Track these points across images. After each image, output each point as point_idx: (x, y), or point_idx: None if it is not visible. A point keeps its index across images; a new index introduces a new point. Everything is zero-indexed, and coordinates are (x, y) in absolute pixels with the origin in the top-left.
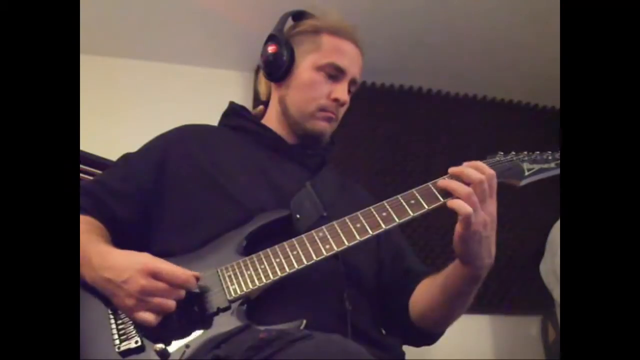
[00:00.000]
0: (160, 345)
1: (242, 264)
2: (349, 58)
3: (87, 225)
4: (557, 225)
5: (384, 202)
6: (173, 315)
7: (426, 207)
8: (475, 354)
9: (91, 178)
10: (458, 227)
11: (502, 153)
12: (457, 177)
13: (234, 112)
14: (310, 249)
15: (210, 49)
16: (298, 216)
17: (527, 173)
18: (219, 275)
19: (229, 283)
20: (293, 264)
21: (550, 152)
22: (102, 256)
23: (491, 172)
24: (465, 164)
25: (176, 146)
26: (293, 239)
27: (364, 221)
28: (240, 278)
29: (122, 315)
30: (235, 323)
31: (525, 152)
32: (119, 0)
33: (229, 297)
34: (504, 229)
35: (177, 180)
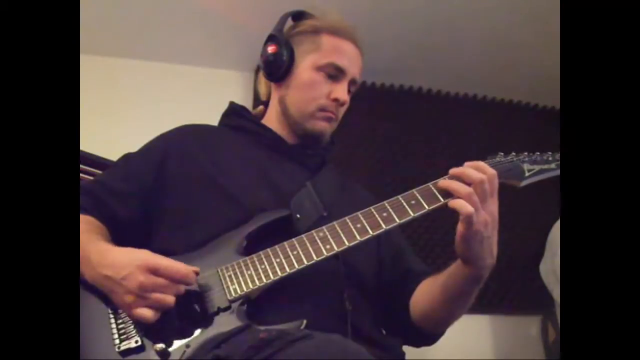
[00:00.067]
0: (160, 345)
1: (242, 264)
2: (349, 58)
3: (87, 224)
4: (557, 225)
5: (385, 202)
6: (173, 315)
7: (427, 207)
8: (475, 354)
9: (91, 178)
10: (459, 227)
11: (502, 154)
12: (458, 178)
13: (234, 112)
14: (310, 249)
15: (210, 49)
16: (298, 216)
17: (527, 174)
18: (219, 275)
19: (229, 283)
20: (293, 264)
21: (550, 152)
22: (101, 254)
23: (492, 171)
24: (466, 164)
25: (176, 146)
26: (293, 239)
27: (364, 221)
28: (240, 278)
29: (123, 315)
30: (235, 323)
31: (526, 153)
32: (119, 0)
33: (229, 297)
34: (504, 229)
35: (177, 180)
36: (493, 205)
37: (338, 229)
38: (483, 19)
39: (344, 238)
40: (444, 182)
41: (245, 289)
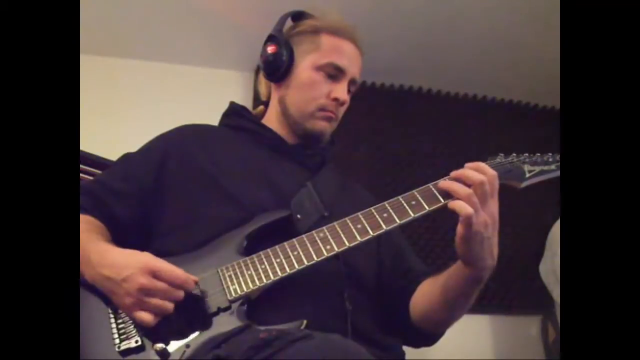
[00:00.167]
0: (160, 345)
1: (242, 264)
2: (349, 58)
3: (87, 224)
4: (557, 225)
5: (385, 202)
6: (173, 315)
7: (427, 208)
8: (475, 354)
9: (91, 178)
10: (459, 228)
11: (502, 155)
12: (459, 179)
13: (234, 112)
14: (310, 249)
15: (210, 49)
16: (299, 216)
17: (527, 175)
18: (219, 275)
19: (229, 283)
20: (293, 264)
21: (550, 154)
22: (101, 254)
23: (492, 172)
24: (466, 165)
25: (176, 146)
26: (293, 239)
27: (364, 222)
28: (240, 278)
29: (123, 315)
30: (235, 323)
31: (526, 154)
32: (119, 0)
33: (229, 297)
34: (504, 229)
35: (177, 180)
36: (493, 206)
37: (338, 229)
38: (483, 19)
39: (344, 238)
40: (444, 183)
41: (245, 289)
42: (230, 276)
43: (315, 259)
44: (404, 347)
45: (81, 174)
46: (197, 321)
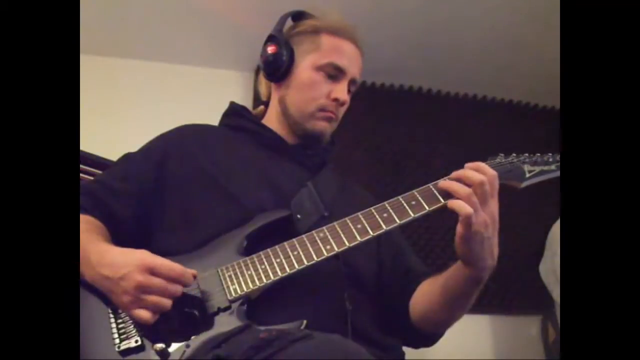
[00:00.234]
0: (160, 345)
1: (242, 264)
2: (349, 58)
3: (87, 224)
4: (557, 225)
5: (385, 202)
6: (173, 315)
7: (427, 208)
8: (475, 354)
9: (91, 178)
10: (459, 228)
11: (502, 155)
12: (459, 180)
13: (234, 112)
14: (310, 249)
15: (210, 49)
16: (299, 216)
17: (528, 175)
18: (219, 275)
19: (229, 283)
20: (293, 264)
21: (551, 154)
22: (100, 254)
23: (492, 172)
24: (466, 165)
25: (176, 146)
26: (294, 239)
27: (364, 222)
28: (240, 278)
29: (122, 315)
30: (235, 323)
31: (526, 154)
32: (119, 0)
33: (229, 297)
34: (504, 229)
35: (177, 180)
36: (493, 206)
37: (338, 229)
38: (483, 19)
39: (344, 238)
40: (444, 182)
41: (245, 289)
42: (230, 276)
43: (315, 259)
44: (404, 347)
45: (81, 174)
46: (197, 321)
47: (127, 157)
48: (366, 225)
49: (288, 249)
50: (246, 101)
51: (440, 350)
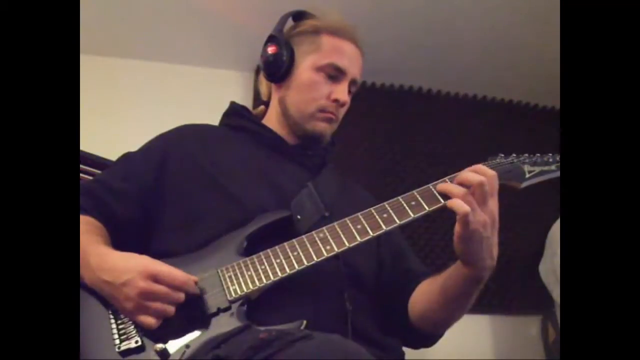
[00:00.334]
0: (160, 345)
1: (242, 265)
2: (349, 58)
3: (87, 225)
4: (556, 225)
5: (385, 203)
6: (174, 316)
7: (427, 208)
8: (475, 354)
9: (91, 178)
10: (457, 227)
11: (502, 155)
12: (460, 184)
13: (234, 112)
14: (310, 249)
15: (210, 49)
16: (299, 217)
17: (528, 175)
18: (219, 276)
19: (229, 283)
20: (293, 265)
21: (551, 154)
22: (101, 258)
23: (492, 173)
24: (466, 169)
25: (176, 146)
26: (293, 240)
27: (364, 222)
28: (240, 278)
29: (122, 315)
30: (235, 323)
31: (526, 155)
32: (119, 0)
33: (229, 298)
34: (504, 229)
35: (177, 180)
36: (493, 206)
37: (338, 229)
38: (483, 19)
39: (344, 239)
40: (442, 184)
41: (245, 290)
42: (230, 277)
43: (315, 259)
44: (404, 347)
45: (81, 174)
46: (197, 321)
47: (127, 157)
48: (366, 225)
49: (288, 250)
50: (246, 101)
51: (440, 350)
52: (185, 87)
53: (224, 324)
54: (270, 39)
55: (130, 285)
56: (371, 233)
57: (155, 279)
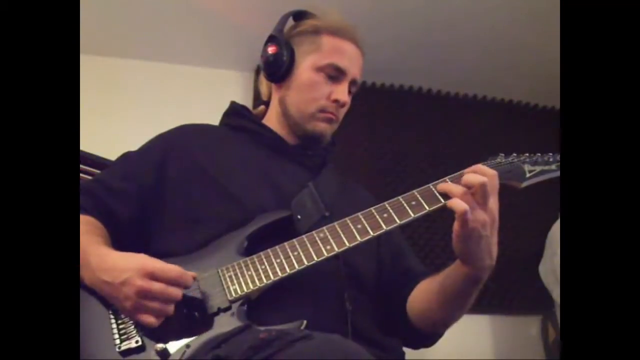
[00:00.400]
0: (160, 345)
1: (242, 265)
2: (349, 58)
3: (87, 225)
4: (556, 225)
5: (385, 203)
6: (174, 315)
7: (427, 208)
8: (475, 354)
9: (91, 178)
10: (455, 225)
11: (503, 155)
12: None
13: (234, 111)
14: (311, 249)
15: (210, 49)
16: (299, 217)
17: (528, 175)
18: (219, 276)
19: (229, 283)
20: (294, 265)
21: (551, 153)
22: (100, 258)
23: (492, 172)
24: (466, 169)
25: (176, 145)
26: (294, 240)
27: (365, 222)
28: (241, 278)
29: (123, 315)
30: (235, 323)
31: (527, 154)
32: (119, 0)
33: (229, 297)
34: (504, 229)
35: (177, 179)
36: (493, 205)
37: (338, 229)
38: (483, 19)
39: (344, 239)
40: (442, 185)
41: (245, 290)
42: (230, 276)
43: (315, 259)
44: (404, 347)
45: (81, 174)
46: (198, 321)
47: (127, 157)
48: (366, 225)
49: (288, 250)
50: (246, 101)
51: (440, 350)
52: (185, 87)
53: (224, 324)
54: (271, 39)
55: (129, 284)
56: (371, 233)
57: (152, 276)
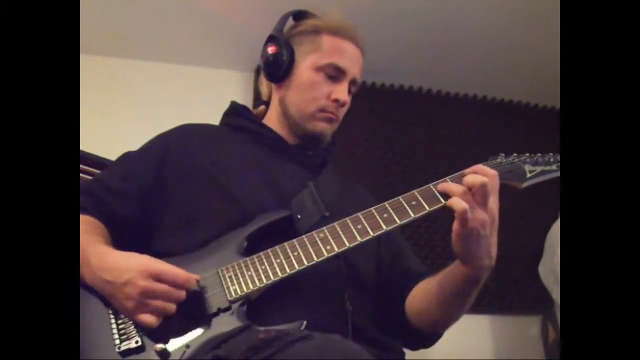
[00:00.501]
0: (160, 345)
1: (242, 265)
2: (349, 58)
3: (87, 225)
4: (556, 225)
5: (385, 203)
6: (174, 315)
7: (427, 208)
8: (475, 354)
9: (91, 178)
10: (455, 225)
11: (503, 155)
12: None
13: (235, 111)
14: (311, 249)
15: (210, 49)
16: (299, 217)
17: (529, 175)
18: (219, 276)
19: (229, 283)
20: (294, 265)
21: (552, 154)
22: (101, 257)
23: (492, 172)
24: (466, 169)
25: (177, 145)
26: (294, 240)
27: (365, 222)
28: (240, 278)
29: (123, 315)
30: (235, 323)
31: (527, 154)
32: (119, 0)
33: (229, 298)
34: (504, 229)
35: (177, 179)
36: (494, 205)
37: (339, 229)
38: (483, 19)
39: (344, 239)
40: (442, 185)
41: (245, 290)
42: (230, 277)
43: (316, 259)
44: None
45: (81, 174)
46: (197, 321)
47: (127, 156)
48: (366, 225)
49: (288, 250)
50: (246, 101)
51: (440, 350)
52: (185, 87)
53: (224, 324)
54: (270, 39)
55: (131, 284)
56: (372, 233)
57: (157, 277)
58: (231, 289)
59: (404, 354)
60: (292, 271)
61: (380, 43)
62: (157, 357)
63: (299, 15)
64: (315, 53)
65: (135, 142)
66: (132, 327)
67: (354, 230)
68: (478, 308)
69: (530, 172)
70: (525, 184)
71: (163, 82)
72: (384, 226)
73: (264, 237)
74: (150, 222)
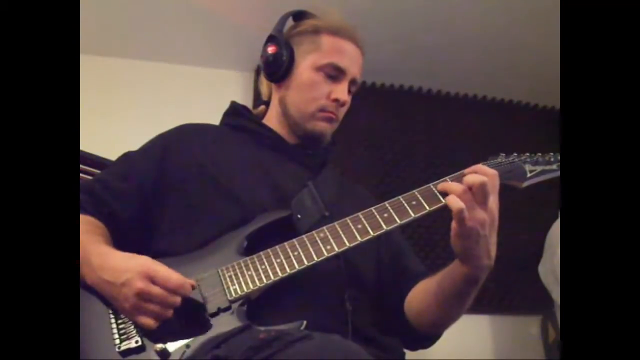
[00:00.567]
0: (160, 345)
1: (242, 264)
2: (349, 58)
3: (87, 225)
4: (556, 225)
5: (385, 202)
6: (174, 316)
7: (427, 208)
8: (475, 354)
9: (91, 178)
10: (453, 224)
11: (503, 154)
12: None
13: (235, 111)
14: (311, 249)
15: (210, 49)
16: (299, 216)
17: (529, 175)
18: (219, 276)
19: (229, 283)
20: (294, 265)
21: (552, 153)
22: (101, 257)
23: (492, 172)
24: (466, 169)
25: (177, 145)
26: (294, 240)
27: (365, 222)
28: (240, 278)
29: (123, 315)
30: (235, 323)
31: (527, 154)
32: (119, 0)
33: (229, 297)
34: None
35: (177, 179)
36: (493, 205)
37: (339, 229)
38: (483, 19)
39: (344, 239)
40: (443, 184)
41: (245, 290)
42: (230, 276)
43: (316, 259)
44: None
45: (81, 174)
46: (197, 321)
47: (127, 156)
48: (367, 225)
49: (288, 249)
50: (246, 101)
51: (440, 350)
52: (185, 87)
53: (224, 324)
54: (270, 39)
55: (129, 285)
56: (372, 233)
57: (153, 280)
58: (231, 288)
59: (404, 354)
60: (292, 271)
61: (380, 43)
62: (157, 357)
63: (299, 16)
64: (315, 53)
65: (135, 142)
66: (132, 327)
67: (354, 230)
68: (478, 308)
69: (531, 171)
70: (526, 184)
71: (163, 82)
72: (384, 226)
73: (264, 237)
74: (150, 221)
